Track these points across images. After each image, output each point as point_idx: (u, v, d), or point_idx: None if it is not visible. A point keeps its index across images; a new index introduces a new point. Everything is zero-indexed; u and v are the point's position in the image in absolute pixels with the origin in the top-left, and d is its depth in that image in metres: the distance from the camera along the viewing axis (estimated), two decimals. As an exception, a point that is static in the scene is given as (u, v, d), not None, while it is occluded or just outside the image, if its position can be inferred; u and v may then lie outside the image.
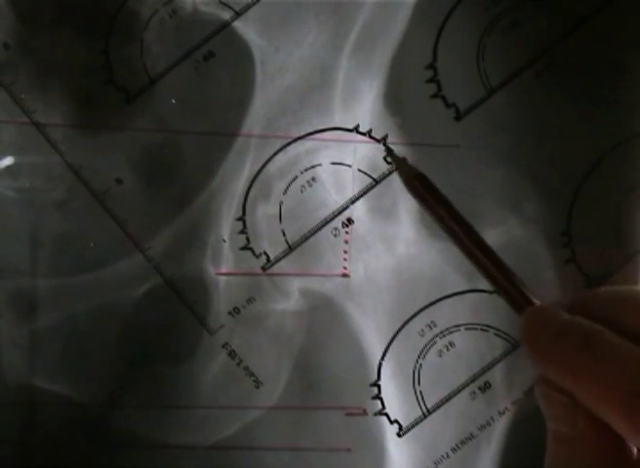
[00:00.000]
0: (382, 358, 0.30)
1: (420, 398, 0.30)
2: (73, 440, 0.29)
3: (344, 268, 0.30)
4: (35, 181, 0.28)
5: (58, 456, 0.29)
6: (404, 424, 0.30)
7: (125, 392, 0.29)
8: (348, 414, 0.30)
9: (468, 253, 0.27)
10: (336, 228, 0.29)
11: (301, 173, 0.29)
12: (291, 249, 0.29)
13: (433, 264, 0.30)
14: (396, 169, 0.29)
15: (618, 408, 0.21)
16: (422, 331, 0.30)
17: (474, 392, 0.30)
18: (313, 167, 0.29)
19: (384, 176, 0.29)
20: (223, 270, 0.29)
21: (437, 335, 0.30)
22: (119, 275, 0.29)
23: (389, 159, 0.28)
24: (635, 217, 0.30)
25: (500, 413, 0.30)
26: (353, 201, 0.29)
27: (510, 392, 0.30)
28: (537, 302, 0.26)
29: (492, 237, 0.29)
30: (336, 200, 0.29)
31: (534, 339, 0.24)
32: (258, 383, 0.30)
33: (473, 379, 0.30)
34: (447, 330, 0.30)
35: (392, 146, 0.29)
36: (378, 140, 0.29)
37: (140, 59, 0.28)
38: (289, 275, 0.29)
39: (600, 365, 0.22)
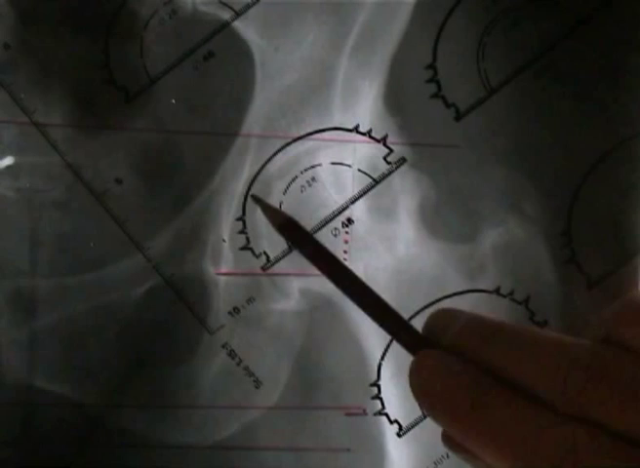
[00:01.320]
0: (382, 358, 0.30)
1: (419, 398, 0.30)
2: (72, 440, 0.29)
3: (344, 268, 0.29)
4: (35, 181, 0.28)
5: (58, 457, 0.29)
6: (404, 424, 0.30)
7: (125, 392, 0.29)
8: (348, 414, 0.30)
9: (352, 295, 0.25)
10: (335, 228, 0.29)
11: (301, 173, 0.29)
12: (291, 249, 0.29)
13: (433, 264, 0.30)
14: (265, 215, 0.27)
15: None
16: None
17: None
18: (313, 167, 0.29)
19: (384, 176, 0.29)
20: (223, 270, 0.29)
21: (437, 335, 0.30)
22: (119, 275, 0.29)
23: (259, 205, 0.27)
24: (635, 217, 0.30)
25: (500, 413, 0.30)
26: (353, 201, 0.29)
27: (510, 392, 0.30)
28: (429, 345, 0.24)
29: (492, 237, 0.29)
30: (335, 200, 0.29)
31: (422, 390, 0.22)
32: (257, 383, 0.30)
33: (473, 379, 0.30)
34: (447, 330, 0.30)
35: (392, 146, 0.29)
36: (377, 140, 0.29)
37: (139, 59, 0.28)
38: (289, 275, 0.29)
39: (490, 427, 0.20)
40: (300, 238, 0.26)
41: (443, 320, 0.24)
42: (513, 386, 0.21)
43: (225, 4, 0.28)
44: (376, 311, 0.25)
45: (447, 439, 0.23)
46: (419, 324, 0.30)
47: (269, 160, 0.29)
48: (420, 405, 0.22)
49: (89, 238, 0.29)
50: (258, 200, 0.27)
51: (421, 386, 0.22)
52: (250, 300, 0.29)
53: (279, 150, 0.29)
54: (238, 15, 0.28)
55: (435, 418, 0.22)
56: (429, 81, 0.29)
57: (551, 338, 0.21)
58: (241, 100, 0.29)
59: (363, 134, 0.29)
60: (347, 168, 0.29)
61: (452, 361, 0.22)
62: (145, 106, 0.28)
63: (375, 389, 0.30)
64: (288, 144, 0.29)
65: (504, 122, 0.30)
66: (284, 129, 0.29)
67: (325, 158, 0.29)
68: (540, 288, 0.30)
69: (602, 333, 0.21)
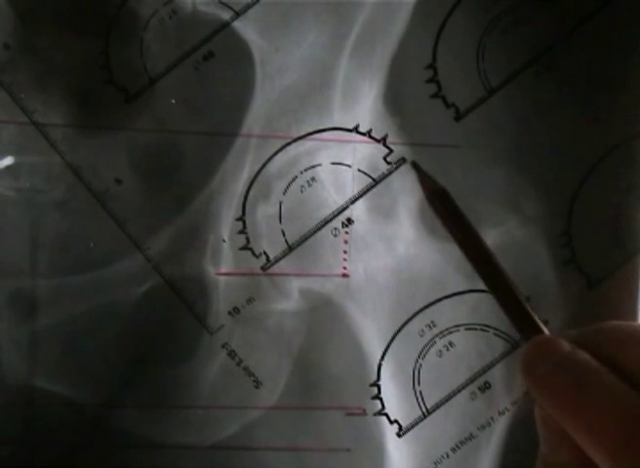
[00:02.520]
0: (382, 358, 0.30)
1: (419, 398, 0.30)
2: (73, 440, 0.29)
3: (344, 268, 0.30)
4: (35, 181, 0.28)
5: (58, 456, 0.29)
6: (404, 424, 0.30)
7: (125, 392, 0.29)
8: (348, 414, 0.30)
9: (483, 276, 0.27)
10: (335, 228, 0.29)
11: (301, 173, 0.29)
12: (290, 249, 0.29)
13: (433, 264, 0.30)
14: (420, 183, 0.28)
15: (604, 454, 0.20)
16: (422, 331, 0.30)
17: (474, 392, 0.30)
18: (313, 167, 0.29)
19: (384, 176, 0.29)
20: (223, 270, 0.29)
21: (437, 335, 0.30)
22: (119, 275, 0.29)
23: (415, 172, 0.28)
24: (635, 217, 0.30)
25: (500, 413, 0.30)
26: (353, 201, 0.29)
27: (510, 392, 0.30)
28: (545, 331, 0.26)
29: (492, 237, 0.29)
30: (335, 200, 0.29)
31: (532, 369, 0.24)
32: (257, 383, 0.30)
33: (473, 379, 0.30)
34: (447, 330, 0.30)
35: (392, 146, 0.29)
36: (377, 140, 0.29)
37: (139, 59, 0.28)
38: (289, 275, 0.29)
39: (591, 408, 0.21)
40: (447, 211, 0.27)
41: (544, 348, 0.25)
42: (621, 374, 0.22)
43: (225, 4, 0.28)
44: (504, 297, 0.26)
45: (543, 420, 0.24)
46: (418, 324, 0.30)
47: (269, 160, 0.29)
48: (530, 390, 0.24)
49: (89, 238, 0.29)
50: (415, 166, 0.28)
51: (532, 371, 0.23)
52: (250, 300, 0.29)
53: (279, 150, 0.29)
54: (238, 15, 0.28)
55: (541, 398, 0.23)
56: (429, 81, 0.29)
57: None
58: (241, 100, 0.29)
59: (363, 134, 0.29)
60: (347, 168, 0.29)
61: (563, 346, 0.23)
62: (145, 106, 0.28)
63: (375, 389, 0.30)
64: (288, 144, 0.29)
65: (504, 122, 0.30)
66: (284, 129, 0.29)
67: (325, 158, 0.29)
68: (539, 288, 0.30)
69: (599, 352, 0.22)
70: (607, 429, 0.20)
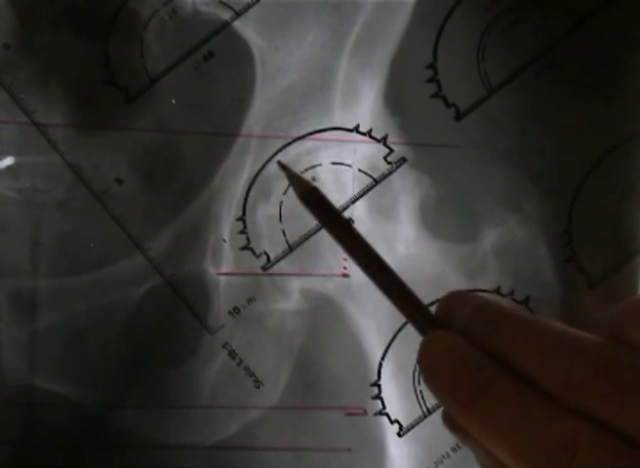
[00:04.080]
0: (383, 358, 0.30)
1: (420, 398, 0.30)
2: (73, 440, 0.29)
3: (345, 268, 0.30)
4: (35, 181, 0.28)
5: (58, 456, 0.29)
6: (404, 424, 0.30)
7: (125, 392, 0.29)
8: (349, 414, 0.30)
9: (369, 273, 0.25)
10: (336, 228, 0.29)
11: (302, 172, 0.29)
12: (291, 249, 0.29)
13: (433, 264, 0.30)
14: (290, 183, 0.26)
15: (511, 456, 0.20)
16: (423, 330, 0.30)
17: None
18: (313, 167, 0.29)
19: (384, 176, 0.29)
20: (224, 270, 0.29)
21: (437, 335, 0.30)
22: (119, 275, 0.29)
23: (285, 173, 0.26)
24: (635, 217, 0.30)
25: (501, 413, 0.30)
26: (353, 201, 0.29)
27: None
28: (441, 326, 0.24)
29: (492, 236, 0.29)
30: (336, 200, 0.29)
31: (430, 370, 0.22)
32: (258, 383, 0.30)
33: (473, 379, 0.30)
34: (447, 329, 0.30)
35: (392, 146, 0.29)
36: (378, 140, 0.29)
37: (140, 60, 0.28)
38: (289, 275, 0.29)
39: (492, 414, 0.20)
40: (323, 210, 0.25)
41: (456, 302, 0.24)
42: (519, 374, 0.21)
43: (225, 4, 0.28)
44: (391, 289, 0.25)
45: (448, 419, 0.23)
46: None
47: (270, 160, 0.29)
48: (426, 385, 0.23)
49: (89, 238, 0.29)
50: (283, 167, 0.27)
51: (429, 367, 0.22)
52: (250, 300, 0.29)
53: (279, 150, 0.29)
54: (238, 15, 0.28)
55: (440, 400, 0.22)
56: (430, 81, 0.29)
57: (559, 329, 0.21)
58: (241, 100, 0.29)
59: (363, 133, 0.29)
60: (348, 168, 0.29)
61: (461, 344, 0.22)
62: (146, 106, 0.28)
63: (375, 389, 0.30)
64: (288, 144, 0.29)
65: (505, 122, 0.30)
66: (284, 129, 0.29)
67: (325, 158, 0.29)
68: (540, 287, 0.30)
69: (609, 331, 0.21)
70: (513, 438, 0.20)
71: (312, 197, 0.25)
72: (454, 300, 0.25)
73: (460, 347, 0.22)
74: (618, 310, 0.22)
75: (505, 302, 0.24)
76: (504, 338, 0.22)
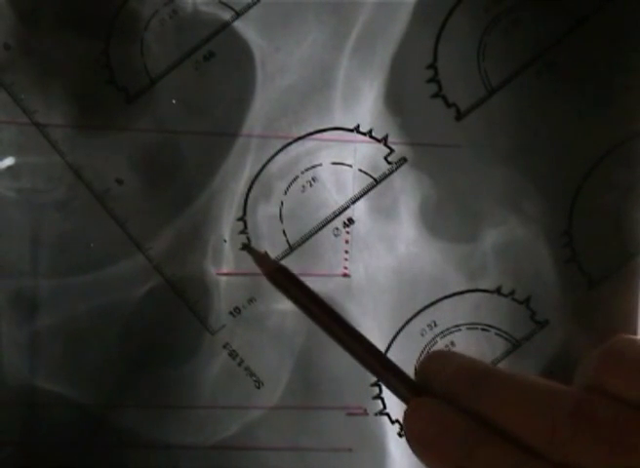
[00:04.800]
0: (383, 358, 0.30)
1: (420, 398, 0.30)
2: (73, 440, 0.29)
3: (345, 268, 0.30)
4: (36, 182, 0.28)
5: (58, 457, 0.29)
6: (405, 424, 0.30)
7: (125, 392, 0.29)
8: (349, 414, 0.30)
9: (346, 345, 0.24)
10: (336, 228, 0.29)
11: (302, 173, 0.29)
12: (291, 249, 0.29)
13: (434, 264, 0.30)
14: (256, 263, 0.25)
15: None
16: (423, 330, 0.30)
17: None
18: (314, 167, 0.29)
19: (385, 176, 0.29)
20: (224, 270, 0.29)
21: (438, 335, 0.30)
22: (120, 275, 0.29)
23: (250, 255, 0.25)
24: (635, 217, 0.30)
25: (501, 413, 0.30)
26: (354, 201, 0.29)
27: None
28: (422, 392, 0.23)
29: (493, 236, 0.29)
30: (336, 200, 0.29)
31: (415, 438, 0.22)
32: (258, 383, 0.30)
33: (474, 379, 0.30)
34: (447, 329, 0.30)
35: (393, 146, 0.29)
36: (378, 140, 0.29)
37: (140, 60, 0.28)
38: (290, 275, 0.29)
39: None
40: (292, 285, 0.25)
41: (435, 363, 0.24)
42: (504, 433, 0.21)
43: (226, 4, 0.28)
44: (370, 360, 0.24)
45: None
46: (419, 323, 0.30)
47: (270, 160, 0.29)
48: (412, 451, 0.23)
49: (90, 238, 0.28)
50: (249, 249, 0.26)
51: (414, 435, 0.22)
52: (251, 300, 0.29)
53: (280, 150, 0.29)
54: (238, 15, 0.28)
55: (427, 465, 0.23)
56: (430, 81, 0.29)
57: (539, 385, 0.21)
58: (242, 101, 0.29)
59: (364, 133, 0.29)
60: (348, 168, 0.29)
61: (444, 409, 0.22)
62: (146, 107, 0.28)
63: (376, 389, 0.30)
64: (289, 144, 0.29)
65: (505, 122, 0.30)
66: (285, 129, 0.29)
67: (326, 158, 0.29)
68: (540, 287, 0.30)
69: (586, 381, 0.21)
70: None
71: (280, 275, 0.25)
72: (433, 361, 0.24)
73: (443, 413, 0.22)
74: (594, 360, 0.22)
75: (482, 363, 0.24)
76: (486, 399, 0.22)
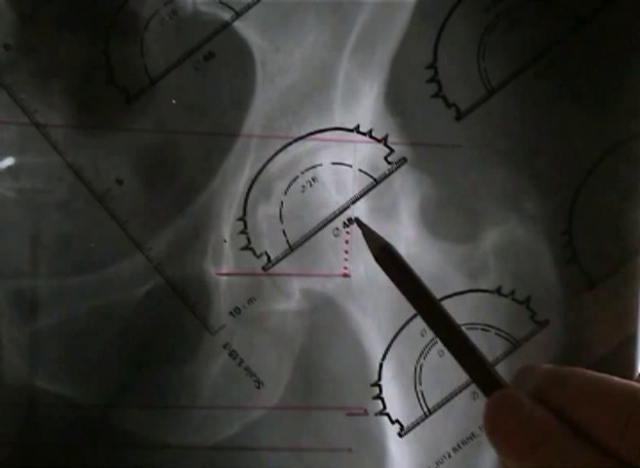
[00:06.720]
0: (383, 358, 0.30)
1: (421, 398, 0.30)
2: (73, 440, 0.29)
3: (345, 268, 0.30)
4: (36, 182, 0.28)
5: (58, 457, 0.29)
6: (405, 424, 0.30)
7: (125, 392, 0.29)
8: (349, 414, 0.30)
9: (438, 332, 0.25)
10: (336, 228, 0.29)
11: (302, 173, 0.29)
12: (292, 249, 0.29)
13: (434, 264, 0.30)
14: (365, 240, 0.26)
15: None
16: (424, 330, 0.30)
17: (475, 392, 0.30)
18: (314, 167, 0.29)
19: (385, 176, 0.29)
20: (224, 270, 0.29)
21: (438, 335, 0.30)
22: (120, 275, 0.29)
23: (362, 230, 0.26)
24: (635, 217, 0.30)
25: (501, 413, 0.30)
26: (354, 201, 0.29)
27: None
28: (505, 385, 0.25)
29: (493, 237, 0.29)
30: (336, 200, 0.29)
31: (495, 427, 0.24)
32: (258, 383, 0.30)
33: (474, 379, 0.30)
34: (448, 329, 0.30)
35: (393, 146, 0.29)
36: (378, 140, 0.29)
37: (140, 60, 0.28)
38: (290, 275, 0.29)
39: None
40: (396, 267, 0.25)
41: (526, 371, 0.26)
42: (581, 429, 0.22)
43: (226, 4, 0.28)
44: (460, 350, 0.25)
45: None
46: (420, 323, 0.30)
47: (270, 160, 0.29)
48: (489, 440, 0.24)
49: (90, 238, 0.29)
50: (361, 225, 0.27)
51: (494, 422, 0.23)
52: (251, 301, 0.29)
53: (280, 150, 0.29)
54: (239, 15, 0.28)
55: (502, 454, 0.23)
56: (430, 81, 0.29)
57: (618, 383, 0.22)
58: (242, 101, 0.29)
59: (364, 133, 0.29)
60: (348, 168, 0.29)
61: (525, 400, 0.23)
62: (146, 107, 0.28)
63: (376, 389, 0.30)
64: (289, 144, 0.29)
65: (505, 122, 0.30)
66: (285, 129, 0.29)
67: (326, 158, 0.29)
68: (540, 287, 0.30)
69: None
70: None
71: (385, 254, 0.25)
72: (524, 368, 0.27)
73: (524, 402, 0.23)
74: None
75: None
76: (567, 394, 0.23)
